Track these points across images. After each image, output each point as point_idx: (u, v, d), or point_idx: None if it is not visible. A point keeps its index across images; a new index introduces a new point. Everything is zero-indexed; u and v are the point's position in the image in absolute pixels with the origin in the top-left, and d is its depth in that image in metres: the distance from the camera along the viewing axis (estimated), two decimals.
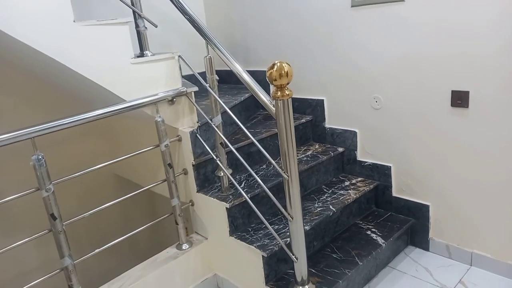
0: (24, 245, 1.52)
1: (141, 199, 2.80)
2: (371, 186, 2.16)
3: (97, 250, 1.68)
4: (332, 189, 2.18)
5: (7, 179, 2.24)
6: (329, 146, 2.38)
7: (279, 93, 1.31)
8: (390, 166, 2.12)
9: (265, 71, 1.30)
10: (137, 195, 1.84)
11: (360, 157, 2.27)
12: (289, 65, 1.29)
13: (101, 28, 1.55)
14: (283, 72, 1.27)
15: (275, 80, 1.29)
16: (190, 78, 2.20)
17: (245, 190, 1.87)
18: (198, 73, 1.85)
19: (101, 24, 1.55)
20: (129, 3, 1.72)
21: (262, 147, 1.54)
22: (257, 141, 2.10)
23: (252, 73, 2.63)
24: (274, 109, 1.36)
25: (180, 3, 1.75)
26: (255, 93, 1.45)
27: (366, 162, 2.23)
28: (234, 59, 1.60)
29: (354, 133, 2.24)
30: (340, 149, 2.31)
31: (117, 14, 2.31)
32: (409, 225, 2.07)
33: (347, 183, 2.24)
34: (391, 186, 2.15)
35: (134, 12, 1.74)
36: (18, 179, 2.11)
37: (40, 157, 1.42)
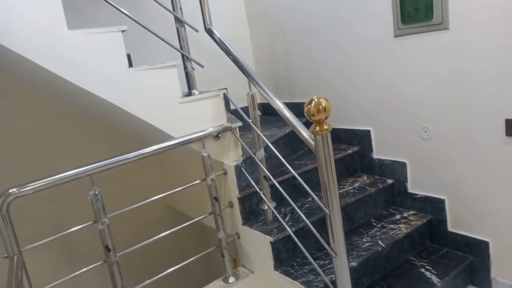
0: (83, 274, 1.62)
1: (192, 230, 2.86)
2: (424, 220, 2.06)
3: (147, 281, 1.75)
4: (382, 222, 2.10)
5: (67, 212, 2.42)
6: (377, 177, 2.31)
7: (317, 128, 1.32)
8: (444, 199, 2.01)
9: None
10: (188, 226, 1.90)
11: (411, 189, 2.18)
12: (326, 100, 1.31)
13: (153, 72, 1.68)
14: (320, 107, 1.29)
15: (313, 115, 1.30)
16: (236, 112, 2.28)
17: (289, 223, 1.87)
18: (244, 106, 1.91)
19: (153, 68, 1.68)
20: (178, 47, 1.85)
21: (308, 179, 1.55)
22: (302, 173, 2.12)
23: (297, 105, 2.70)
24: (313, 143, 1.37)
25: (225, 44, 1.85)
26: (295, 128, 1.48)
27: (418, 194, 2.13)
28: (275, 95, 1.64)
29: (404, 164, 2.17)
30: (389, 181, 2.23)
31: (165, 55, 2.48)
32: (468, 263, 1.93)
33: (397, 216, 2.15)
34: (446, 220, 2.03)
35: (182, 55, 1.87)
36: (77, 211, 2.27)
37: (97, 192, 1.54)
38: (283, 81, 2.89)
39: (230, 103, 2.14)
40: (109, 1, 1.59)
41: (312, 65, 2.59)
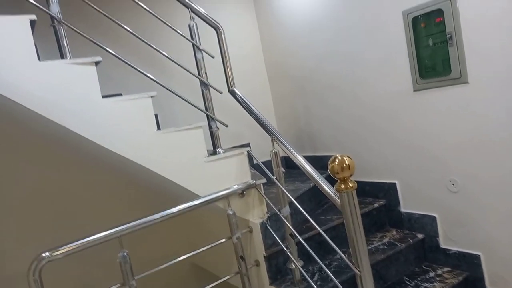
0: None
1: None
2: (460, 278, 1.95)
3: None
4: (415, 281, 2.00)
5: (95, 271, 2.42)
6: (407, 232, 2.24)
7: (342, 186, 1.33)
8: (479, 255, 1.92)
9: (331, 155, 1.33)
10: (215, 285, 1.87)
11: (443, 244, 2.09)
12: (350, 157, 1.32)
13: (180, 133, 1.76)
14: (344, 165, 1.30)
15: (337, 173, 1.31)
16: (259, 166, 2.31)
17: (318, 283, 1.81)
18: (267, 160, 1.94)
19: (180, 130, 1.75)
20: (203, 108, 1.94)
21: (335, 235, 1.53)
22: (328, 229, 2.09)
23: (320, 159, 2.72)
24: (339, 201, 1.36)
25: (247, 104, 1.93)
26: (319, 185, 1.48)
27: (451, 250, 2.05)
28: (297, 151, 1.66)
29: (433, 218, 2.10)
30: (420, 236, 2.16)
31: (190, 113, 2.59)
32: None
33: (431, 274, 2.05)
34: (483, 278, 1.92)
35: (207, 116, 1.95)
36: (104, 270, 2.28)
37: (125, 254, 1.56)
38: (305, 135, 2.94)
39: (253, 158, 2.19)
40: (137, 68, 1.71)
41: (334, 120, 2.64)
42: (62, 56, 1.62)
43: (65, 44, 1.63)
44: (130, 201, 2.60)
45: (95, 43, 1.62)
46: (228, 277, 1.94)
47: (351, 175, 1.33)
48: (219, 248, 2.04)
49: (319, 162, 2.66)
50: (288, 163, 3.01)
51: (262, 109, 2.92)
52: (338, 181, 1.34)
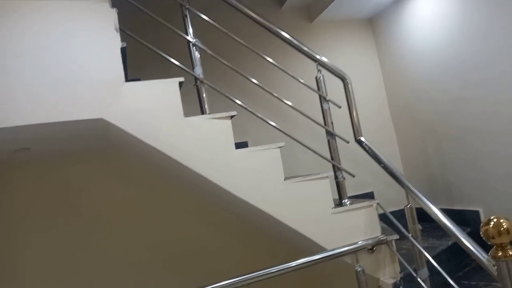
0: None
1: None
2: None
3: None
4: None
5: None
6: None
7: (500, 253, 1.14)
8: None
9: (473, 210, 1.17)
10: None
11: None
12: (507, 220, 1.14)
13: (307, 183, 1.75)
14: (502, 229, 1.12)
15: (493, 238, 1.14)
16: (386, 217, 2.15)
17: None
18: (394, 211, 1.80)
19: (307, 180, 1.75)
20: (329, 158, 1.91)
21: None
22: None
23: (457, 213, 2.42)
24: (495, 271, 1.17)
25: (375, 153, 1.84)
26: (467, 249, 1.30)
27: None
28: (440, 210, 1.50)
29: None
30: None
31: (313, 165, 2.58)
32: None
33: None
34: None
35: (333, 165, 1.92)
36: None
37: None
38: (439, 184, 2.66)
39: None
40: (269, 122, 1.79)
41: (473, 168, 2.35)
42: (202, 112, 1.79)
43: (205, 101, 1.81)
44: (254, 249, 2.65)
45: (230, 98, 1.76)
46: None
47: (511, 241, 1.13)
48: None
49: (456, 217, 2.36)
50: (421, 215, 2.74)
51: (388, 156, 2.76)
52: (494, 247, 1.16)
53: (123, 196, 2.46)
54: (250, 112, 1.76)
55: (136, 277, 2.42)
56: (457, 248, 2.23)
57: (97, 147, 2.31)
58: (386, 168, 1.78)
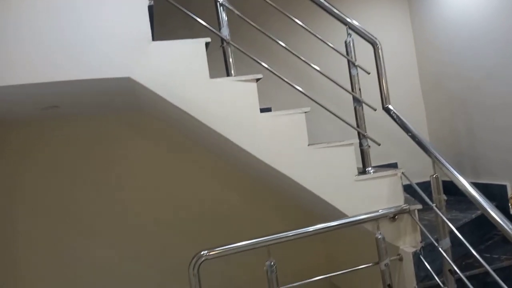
0: None
1: None
2: None
3: None
4: None
5: (241, 273, 2.56)
6: None
7: None
8: None
9: (501, 185, 1.15)
10: None
11: None
12: None
13: (331, 150, 1.74)
14: None
15: None
16: (410, 187, 2.12)
17: None
18: (418, 182, 1.78)
19: (331, 146, 1.73)
20: (355, 125, 1.88)
21: (503, 278, 1.29)
22: (495, 269, 1.79)
23: (483, 187, 2.36)
24: None
25: (403, 122, 1.80)
26: (498, 224, 1.27)
27: None
28: (468, 182, 1.47)
29: None
30: None
31: (336, 133, 2.55)
32: None
33: None
34: None
35: (358, 132, 1.89)
36: (248, 274, 2.40)
37: (272, 263, 1.61)
38: (466, 158, 2.60)
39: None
40: (295, 86, 1.76)
41: (505, 143, 2.27)
42: (228, 74, 1.77)
43: (231, 63, 1.78)
44: (277, 212, 2.69)
45: (256, 61, 1.74)
46: None
47: None
48: (361, 271, 1.95)
49: (483, 191, 2.29)
50: (444, 188, 2.70)
51: (414, 127, 2.70)
52: None
53: (147, 157, 2.52)
54: (276, 75, 1.73)
55: (155, 232, 2.51)
56: (480, 221, 2.21)
57: (124, 108, 2.35)
58: (414, 137, 1.74)
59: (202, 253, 1.57)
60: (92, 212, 2.42)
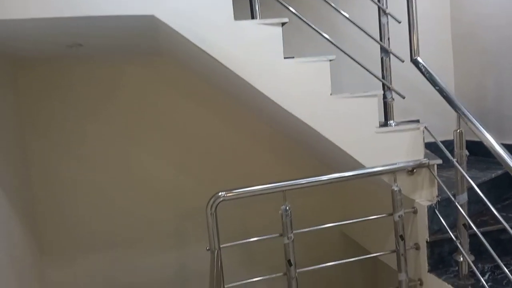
0: (258, 282, 1.74)
1: (365, 263, 2.77)
2: None
3: None
4: None
5: (256, 218, 2.65)
6: None
7: None
8: None
9: None
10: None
11: None
12: None
13: (353, 100, 1.71)
14: None
15: None
16: (430, 145, 2.10)
17: (489, 284, 1.59)
18: (441, 141, 1.76)
19: (354, 97, 1.71)
20: (380, 76, 1.83)
21: None
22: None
23: (508, 147, 2.30)
24: None
25: (431, 75, 1.74)
26: None
27: None
28: (490, 134, 1.44)
29: None
30: None
31: (358, 85, 2.48)
32: None
33: None
34: None
35: (383, 84, 1.85)
36: (264, 219, 2.48)
37: (287, 208, 1.65)
38: (492, 117, 2.53)
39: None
40: (322, 33, 1.71)
41: None
42: (253, 17, 1.73)
43: (257, 5, 1.73)
44: (294, 161, 2.71)
45: (283, 4, 1.68)
46: (382, 253, 1.88)
47: None
48: (374, 222, 1.98)
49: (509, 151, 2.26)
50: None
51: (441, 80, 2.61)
52: None
53: (169, 102, 2.54)
54: (302, 20, 1.68)
55: (174, 177, 2.59)
56: (499, 181, 2.19)
57: (147, 51, 2.34)
58: (441, 91, 1.69)
59: (219, 194, 1.62)
60: (113, 150, 2.48)
